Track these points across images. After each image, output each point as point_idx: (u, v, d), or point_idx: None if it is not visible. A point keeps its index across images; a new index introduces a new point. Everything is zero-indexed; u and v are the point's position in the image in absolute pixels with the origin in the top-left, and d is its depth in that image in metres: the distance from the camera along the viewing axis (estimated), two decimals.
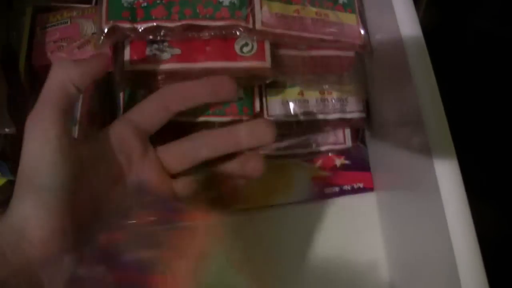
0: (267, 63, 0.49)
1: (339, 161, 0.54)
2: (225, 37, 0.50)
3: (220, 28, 0.48)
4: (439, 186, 0.37)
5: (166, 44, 0.50)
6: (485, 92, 0.61)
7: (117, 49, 0.50)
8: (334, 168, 0.54)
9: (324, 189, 0.53)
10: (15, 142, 0.45)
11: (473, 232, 0.36)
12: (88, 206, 0.37)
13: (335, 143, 0.53)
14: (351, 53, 0.52)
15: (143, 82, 0.49)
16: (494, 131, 0.59)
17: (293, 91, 0.52)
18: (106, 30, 0.47)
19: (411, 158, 0.43)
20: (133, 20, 0.47)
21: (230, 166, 0.43)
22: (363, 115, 0.52)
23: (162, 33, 0.48)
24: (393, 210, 0.49)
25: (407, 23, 0.43)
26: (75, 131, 0.48)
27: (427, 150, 0.38)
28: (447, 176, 0.37)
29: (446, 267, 0.37)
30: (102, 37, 0.48)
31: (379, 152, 0.52)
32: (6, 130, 0.44)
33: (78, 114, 0.49)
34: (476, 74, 0.61)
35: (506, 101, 0.60)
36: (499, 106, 0.60)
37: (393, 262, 0.50)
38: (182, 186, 0.42)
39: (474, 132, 0.58)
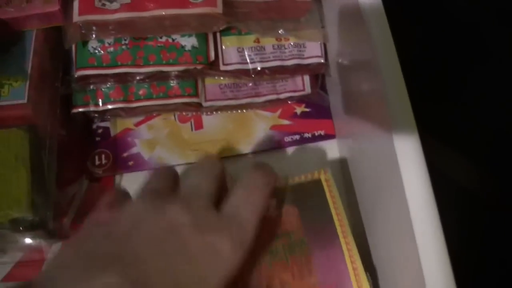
0: (218, 9, 0.48)
1: (299, 109, 0.53)
2: None
3: None
4: (392, 131, 0.36)
5: None
6: (436, 31, 0.59)
7: (66, 1, 0.49)
8: (294, 116, 0.53)
9: (285, 137, 0.52)
10: None
11: (425, 171, 0.35)
12: None
13: (294, 91, 0.52)
14: None
15: (94, 33, 0.48)
16: (446, 73, 0.58)
17: (248, 39, 0.51)
18: None
19: (368, 103, 0.42)
20: None
21: None
22: (321, 60, 0.51)
23: None
24: (354, 156, 0.48)
25: None
26: (26, 87, 0.47)
27: (382, 95, 0.37)
28: (400, 120, 0.36)
29: (399, 206, 0.36)
30: None
31: (339, 98, 0.50)
32: None
33: (28, 69, 0.48)
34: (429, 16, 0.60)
35: (458, 43, 0.58)
36: (451, 51, 0.59)
37: None
38: None
39: (428, 75, 0.56)
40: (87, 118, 0.52)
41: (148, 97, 0.51)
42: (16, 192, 0.45)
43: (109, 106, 0.51)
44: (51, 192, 0.47)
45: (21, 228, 0.45)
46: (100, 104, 0.51)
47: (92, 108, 0.51)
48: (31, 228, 0.46)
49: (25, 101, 0.47)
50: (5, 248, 0.49)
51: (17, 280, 0.49)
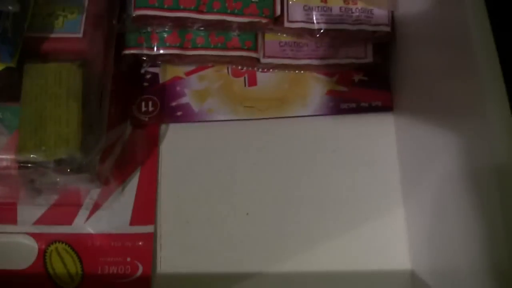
0: None
1: (357, 77, 0.51)
2: None
3: None
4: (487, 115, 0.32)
5: None
6: None
7: None
8: (351, 84, 0.51)
9: (340, 104, 0.50)
10: (18, 23, 0.42)
11: None
12: None
13: (355, 57, 0.50)
14: None
15: None
16: None
17: None
18: None
19: (442, 80, 0.40)
20: None
21: None
22: (388, 29, 0.49)
23: None
24: (411, 133, 0.47)
25: None
26: (82, 20, 0.44)
27: (472, 74, 0.33)
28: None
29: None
30: None
31: (402, 70, 0.49)
32: (9, 7, 0.40)
33: (86, 0, 0.45)
34: None
35: None
36: None
37: (406, 182, 0.48)
38: None
39: None
40: (136, 61, 0.50)
41: (205, 46, 0.48)
42: (66, 131, 0.42)
43: (163, 51, 0.49)
44: (101, 134, 0.44)
45: (66, 169, 0.43)
46: (155, 48, 0.48)
47: (145, 51, 0.48)
48: (76, 170, 0.43)
49: (80, 35, 0.44)
50: (42, 188, 0.46)
51: (50, 223, 0.47)
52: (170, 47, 0.48)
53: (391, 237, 0.47)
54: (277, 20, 0.48)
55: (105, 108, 0.45)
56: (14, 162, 0.42)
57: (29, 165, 0.42)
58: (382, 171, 0.49)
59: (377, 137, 0.50)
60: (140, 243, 0.46)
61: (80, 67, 0.44)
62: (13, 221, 0.47)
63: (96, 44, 0.45)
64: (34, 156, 0.42)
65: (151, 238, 0.46)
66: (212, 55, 0.49)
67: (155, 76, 0.50)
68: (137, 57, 0.49)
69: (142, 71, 0.51)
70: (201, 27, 0.47)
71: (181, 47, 0.48)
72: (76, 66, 0.44)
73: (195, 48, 0.48)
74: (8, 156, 0.42)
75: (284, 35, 0.49)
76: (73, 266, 0.46)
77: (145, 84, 0.50)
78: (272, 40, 0.49)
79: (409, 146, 0.47)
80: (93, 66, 0.45)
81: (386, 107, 0.50)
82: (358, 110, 0.50)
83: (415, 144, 0.46)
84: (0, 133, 0.43)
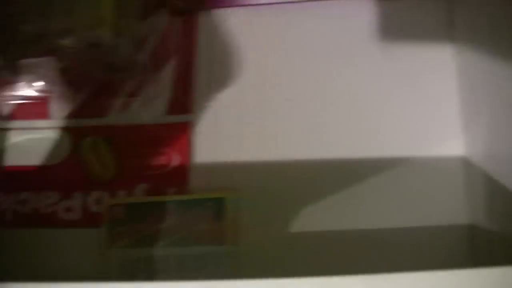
0: None
1: None
2: None
3: None
4: None
5: None
6: None
7: None
8: None
9: None
10: None
11: None
12: None
13: None
14: None
15: None
16: None
17: None
18: None
19: None
20: None
21: None
22: None
23: None
24: None
25: None
26: None
27: None
28: None
29: None
30: None
31: None
32: None
33: None
34: None
35: None
36: None
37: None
38: None
39: None
40: None
41: None
42: (99, 13, 0.40)
43: None
44: (136, 19, 0.42)
45: (98, 52, 0.41)
46: None
47: None
48: (108, 53, 0.41)
49: None
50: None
51: (83, 116, 0.45)
52: None
53: (443, 122, 0.43)
54: None
55: None
56: None
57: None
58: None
59: None
60: (177, 133, 0.44)
61: None
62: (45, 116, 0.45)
63: None
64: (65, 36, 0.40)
65: (189, 127, 0.44)
66: None
67: None
68: None
69: None
70: None
71: None
72: None
73: None
74: None
75: None
76: (109, 158, 0.44)
77: None
78: None
79: None
80: None
81: None
82: None
83: None
84: None
